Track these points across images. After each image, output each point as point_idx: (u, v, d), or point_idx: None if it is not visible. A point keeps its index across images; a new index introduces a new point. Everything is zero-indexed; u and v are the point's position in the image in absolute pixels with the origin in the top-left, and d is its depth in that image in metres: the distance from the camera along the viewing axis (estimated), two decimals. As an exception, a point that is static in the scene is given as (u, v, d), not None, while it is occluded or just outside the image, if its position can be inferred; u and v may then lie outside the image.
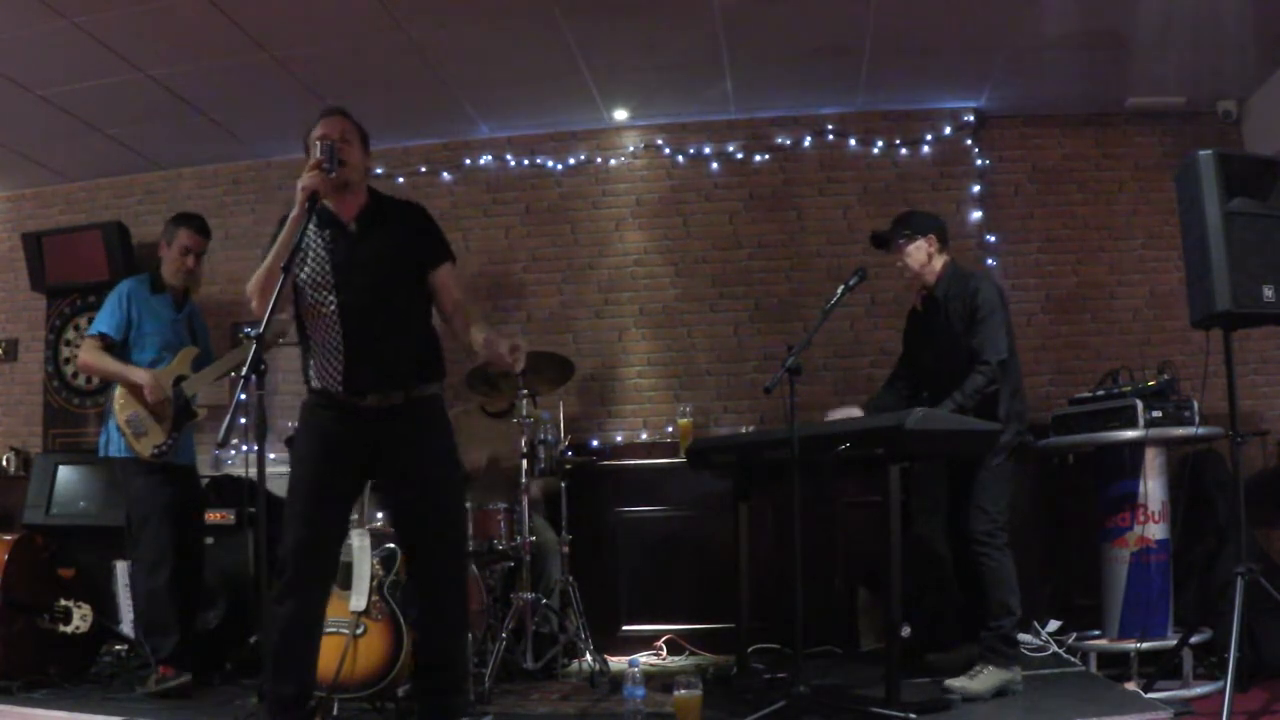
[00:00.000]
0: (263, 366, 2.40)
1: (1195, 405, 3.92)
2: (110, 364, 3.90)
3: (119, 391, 3.89)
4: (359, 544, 3.52)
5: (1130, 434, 3.92)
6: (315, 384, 2.91)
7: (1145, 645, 3.71)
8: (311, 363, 2.92)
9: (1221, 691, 2.95)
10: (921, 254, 3.70)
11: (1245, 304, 3.14)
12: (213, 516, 4.36)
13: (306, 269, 2.87)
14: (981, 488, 3.46)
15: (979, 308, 3.52)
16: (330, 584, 3.00)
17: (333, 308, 2.85)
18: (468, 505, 3.85)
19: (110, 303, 3.99)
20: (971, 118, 5.16)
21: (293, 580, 2.80)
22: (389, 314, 2.89)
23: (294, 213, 2.76)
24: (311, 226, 2.87)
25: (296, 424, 3.02)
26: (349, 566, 3.50)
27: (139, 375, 3.86)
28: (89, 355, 3.93)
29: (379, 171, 5.38)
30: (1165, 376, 4.03)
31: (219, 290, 5.45)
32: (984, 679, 3.33)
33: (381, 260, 2.90)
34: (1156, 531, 3.93)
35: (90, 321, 4.32)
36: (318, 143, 2.82)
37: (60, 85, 4.58)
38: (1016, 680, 3.40)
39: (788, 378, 3.20)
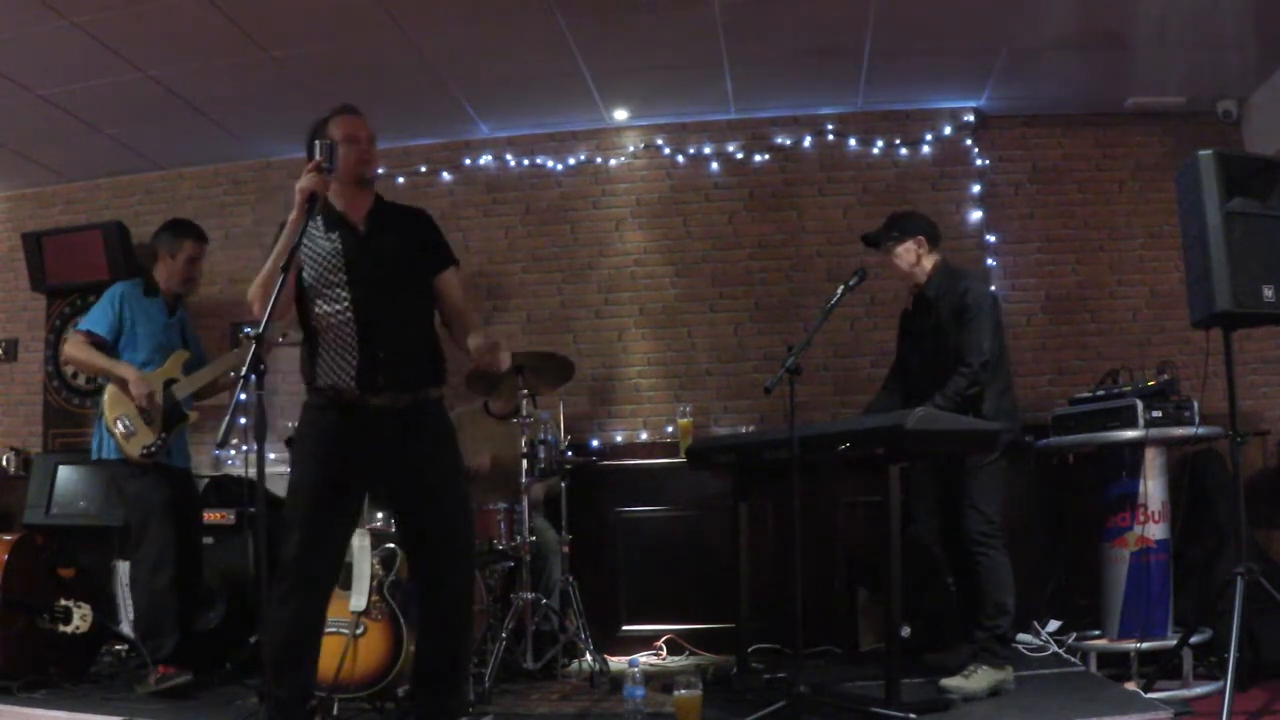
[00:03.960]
0: (262, 367, 2.39)
1: (1195, 405, 3.92)
2: (96, 358, 3.90)
3: (109, 393, 3.89)
4: (359, 544, 3.53)
5: (1130, 434, 3.92)
6: (322, 382, 2.89)
7: (1145, 645, 3.71)
8: (319, 362, 2.90)
9: (1221, 691, 2.95)
10: (910, 255, 3.72)
11: (1245, 304, 3.14)
12: (212, 516, 4.36)
13: (317, 268, 2.88)
14: (975, 488, 3.47)
15: (967, 308, 3.53)
16: (332, 586, 2.99)
17: (346, 304, 2.87)
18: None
19: (103, 303, 3.99)
20: (971, 118, 5.16)
21: (295, 583, 2.80)
22: (401, 312, 2.92)
23: (293, 215, 2.76)
24: (319, 227, 2.90)
25: (296, 424, 3.02)
26: (349, 566, 3.51)
27: (124, 370, 3.86)
28: (75, 349, 3.92)
29: (379, 171, 5.37)
30: (1165, 376, 4.03)
31: (219, 290, 5.45)
32: (979, 678, 3.34)
33: (392, 260, 2.93)
34: (1156, 531, 3.93)
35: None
36: (328, 145, 2.80)
37: (60, 85, 4.58)
38: (1009, 680, 3.41)
39: (788, 378, 3.21)
